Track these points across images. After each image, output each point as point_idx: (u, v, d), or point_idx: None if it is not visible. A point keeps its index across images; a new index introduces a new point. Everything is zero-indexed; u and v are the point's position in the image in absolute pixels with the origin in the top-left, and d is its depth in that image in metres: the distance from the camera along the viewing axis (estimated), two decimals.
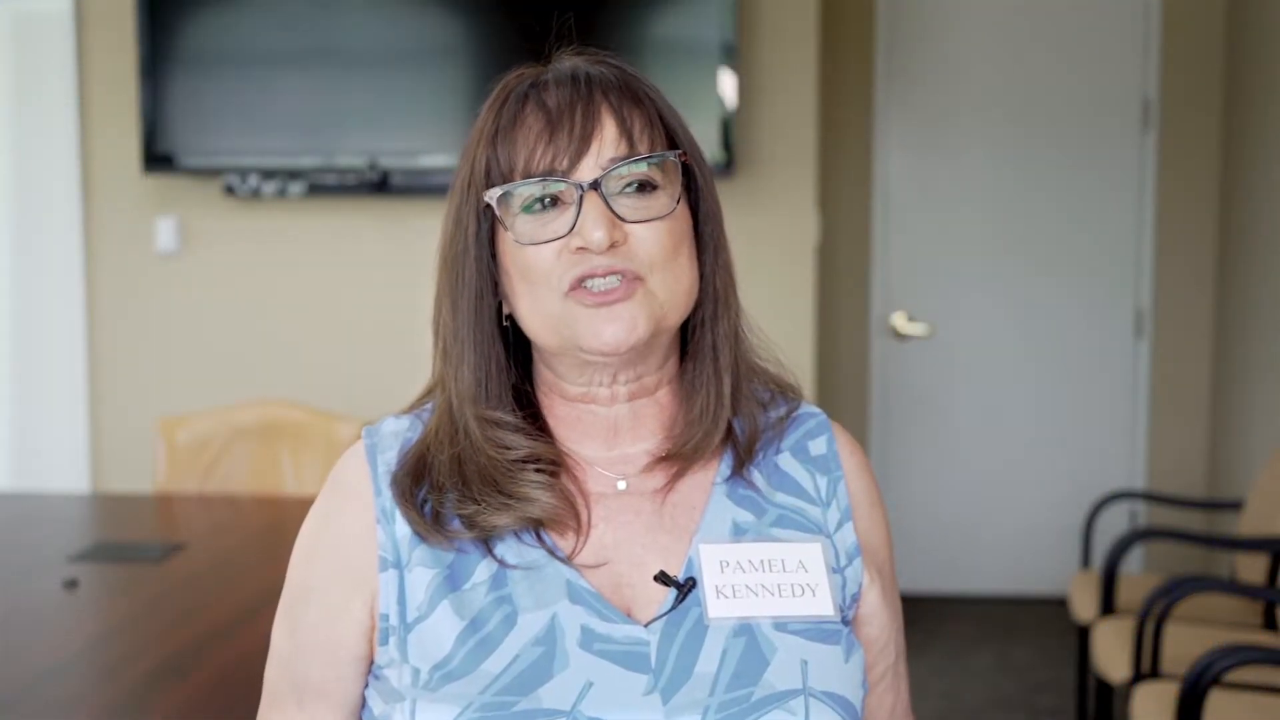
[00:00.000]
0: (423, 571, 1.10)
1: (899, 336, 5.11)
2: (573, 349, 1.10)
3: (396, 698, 1.08)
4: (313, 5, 4.12)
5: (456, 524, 1.10)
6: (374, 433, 1.17)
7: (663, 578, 1.10)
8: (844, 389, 5.12)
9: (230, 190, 4.23)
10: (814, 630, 1.09)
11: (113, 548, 2.78)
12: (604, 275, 1.07)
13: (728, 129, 4.04)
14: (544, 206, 1.08)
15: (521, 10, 4.06)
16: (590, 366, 1.12)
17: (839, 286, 5.06)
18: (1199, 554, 4.76)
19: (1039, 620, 4.90)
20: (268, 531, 2.94)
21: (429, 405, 1.17)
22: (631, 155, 1.09)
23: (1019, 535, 5.13)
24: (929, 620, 4.88)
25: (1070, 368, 5.08)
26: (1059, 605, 4.85)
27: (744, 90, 4.12)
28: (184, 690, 1.99)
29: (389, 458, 1.14)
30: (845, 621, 1.13)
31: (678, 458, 1.14)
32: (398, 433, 1.16)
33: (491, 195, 1.09)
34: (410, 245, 4.22)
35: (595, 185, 1.07)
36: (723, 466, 1.16)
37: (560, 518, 1.11)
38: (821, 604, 1.10)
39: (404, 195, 4.19)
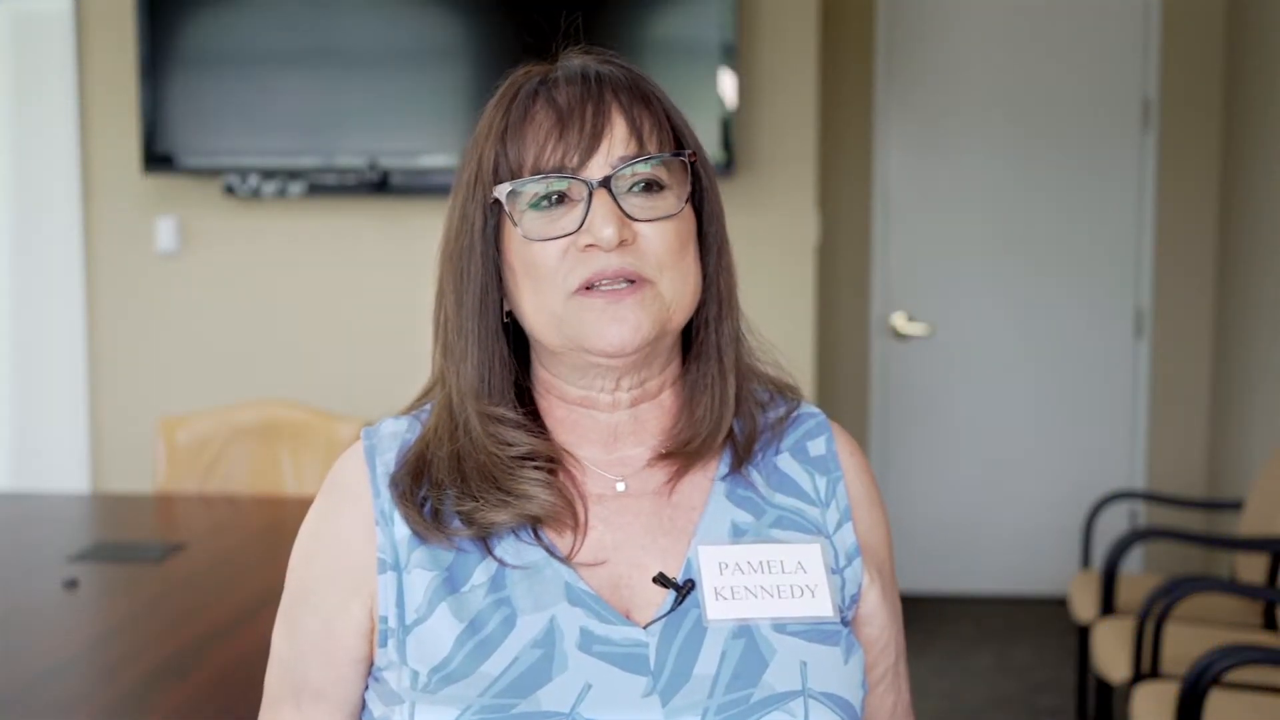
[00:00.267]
0: (421, 573, 1.09)
1: (899, 336, 5.11)
2: (576, 349, 1.09)
3: (395, 700, 1.08)
4: (313, 5, 4.12)
5: (455, 522, 1.10)
6: (372, 434, 1.17)
7: (661, 579, 1.09)
8: (844, 389, 5.12)
9: (230, 190, 4.23)
10: (813, 631, 1.09)
11: (113, 548, 2.78)
12: (613, 275, 1.07)
13: (728, 129, 4.04)
14: (551, 204, 1.08)
15: (521, 10, 4.06)
16: (592, 370, 1.12)
17: (839, 286, 5.06)
18: (1199, 554, 4.77)
19: (1039, 620, 4.90)
20: (268, 531, 2.94)
21: (428, 406, 1.17)
22: (641, 154, 1.09)
23: (1019, 535, 5.13)
24: (929, 620, 4.88)
25: (1070, 368, 5.08)
26: (1059, 605, 4.85)
27: (744, 90, 4.12)
28: (184, 690, 1.99)
29: (388, 459, 1.14)
30: (845, 622, 1.13)
31: (679, 457, 1.14)
32: (396, 434, 1.16)
33: (501, 190, 1.09)
34: (410, 245, 4.22)
35: (605, 183, 1.07)
36: (721, 466, 1.16)
37: (558, 516, 1.10)
38: (821, 605, 1.10)
39: (404, 195, 4.19)
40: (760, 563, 1.11)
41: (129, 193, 4.34)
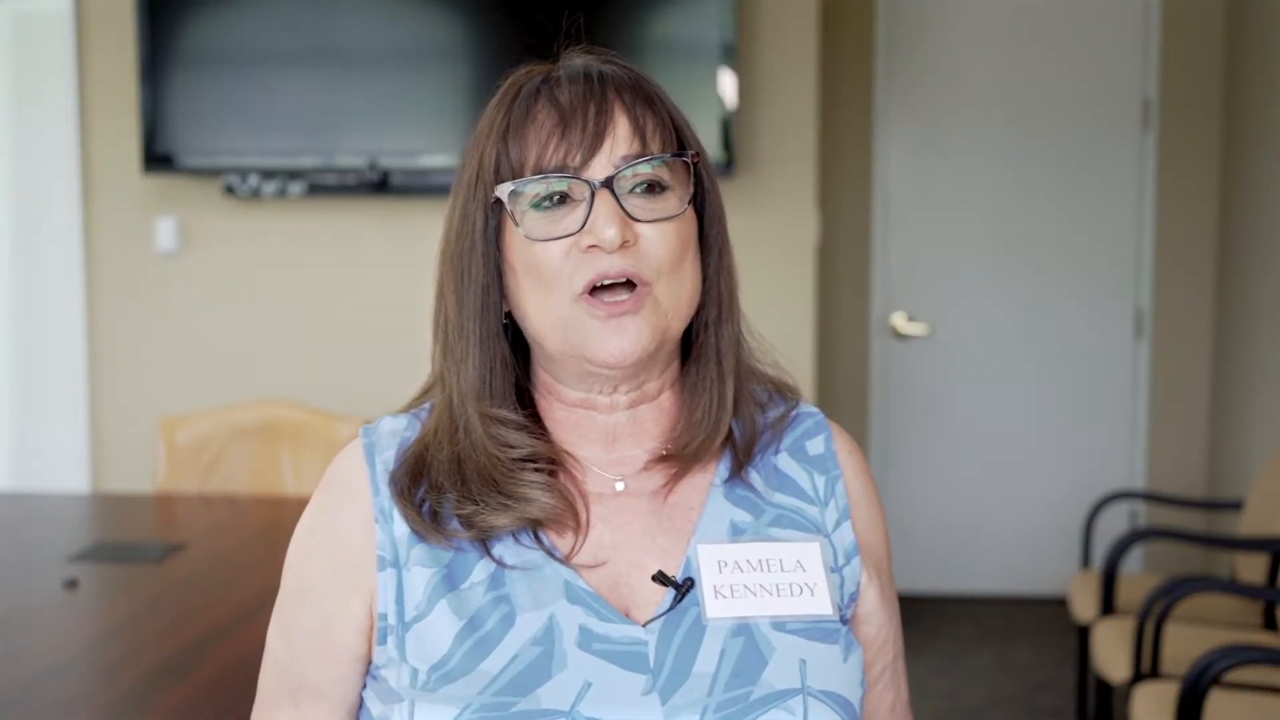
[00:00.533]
0: (421, 571, 1.09)
1: (899, 336, 5.11)
2: (577, 356, 1.09)
3: (395, 698, 1.07)
4: (313, 5, 4.12)
5: (455, 524, 1.10)
6: (371, 431, 1.16)
7: (661, 578, 1.09)
8: (844, 389, 5.12)
9: (230, 190, 4.23)
10: (812, 629, 1.09)
11: (113, 548, 2.78)
12: (616, 277, 1.06)
13: (728, 129, 4.04)
14: (553, 203, 1.08)
15: (521, 10, 4.06)
16: (590, 375, 1.12)
17: (839, 286, 5.06)
18: (1199, 554, 4.77)
19: (1039, 620, 4.90)
20: (268, 531, 2.94)
21: (427, 405, 1.17)
22: (644, 154, 1.08)
23: (1019, 535, 5.13)
24: (929, 620, 4.88)
25: (1070, 368, 5.08)
26: (1059, 605, 4.85)
27: (744, 90, 4.12)
28: (184, 690, 1.99)
29: (387, 457, 1.14)
30: (844, 620, 1.13)
31: (677, 459, 1.14)
32: (395, 432, 1.16)
33: (502, 190, 1.08)
34: (410, 245, 4.22)
35: (607, 183, 1.07)
36: (721, 468, 1.16)
37: (559, 518, 1.10)
38: (820, 603, 1.10)
39: (404, 195, 4.19)
40: (759, 561, 1.11)
41: (129, 193, 4.34)
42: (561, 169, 1.07)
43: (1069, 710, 4.07)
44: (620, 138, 1.08)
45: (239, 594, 2.47)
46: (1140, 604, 3.17)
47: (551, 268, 1.07)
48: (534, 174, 1.08)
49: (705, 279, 1.13)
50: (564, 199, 1.08)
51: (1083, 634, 3.71)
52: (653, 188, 1.09)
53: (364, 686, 1.14)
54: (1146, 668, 3.04)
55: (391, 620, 1.09)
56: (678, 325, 1.11)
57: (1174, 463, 5.01)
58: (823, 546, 1.13)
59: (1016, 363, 5.10)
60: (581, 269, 1.07)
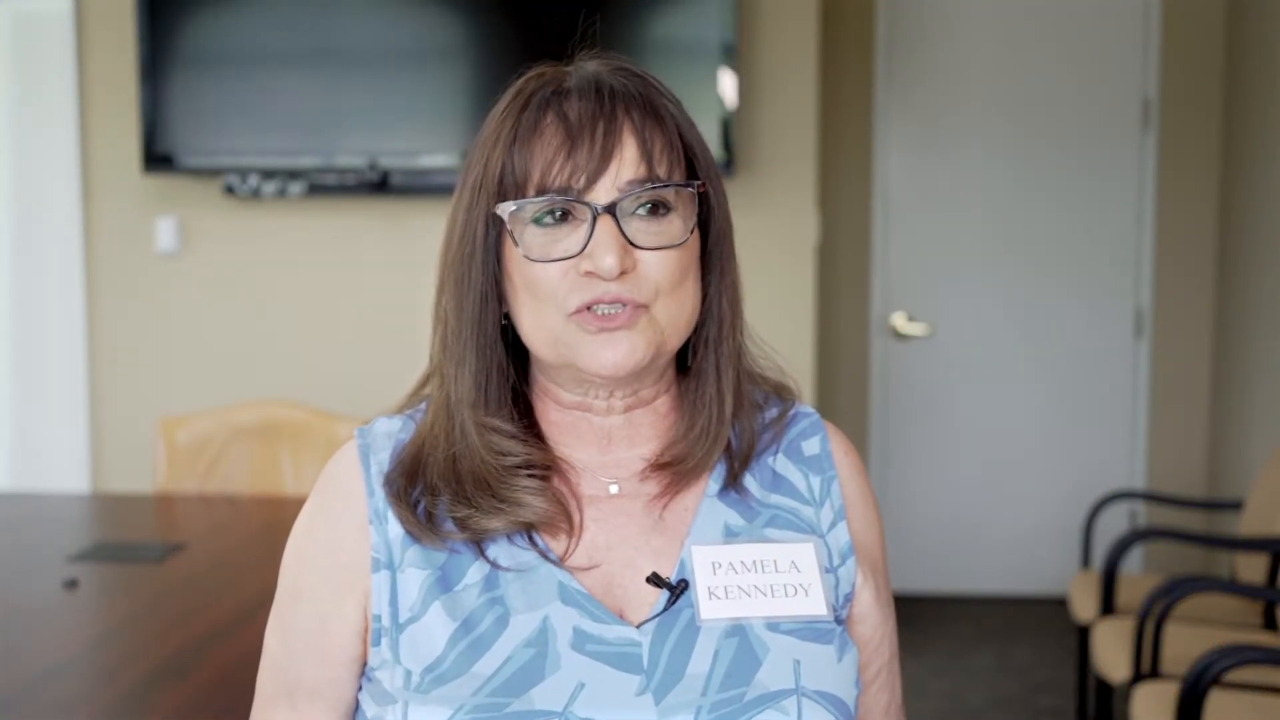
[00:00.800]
0: (415, 572, 1.09)
1: (899, 336, 5.11)
2: (571, 367, 1.09)
3: (389, 700, 1.08)
4: (313, 5, 4.12)
5: (449, 525, 1.10)
6: (366, 433, 1.16)
7: (655, 579, 1.09)
8: (844, 389, 5.12)
9: (230, 190, 4.23)
10: (807, 630, 1.09)
11: (113, 548, 2.78)
12: (611, 303, 1.06)
13: (728, 129, 4.04)
14: (555, 220, 1.07)
15: (522, 10, 4.06)
16: (584, 382, 1.12)
17: (839, 286, 5.06)
18: (1199, 554, 4.77)
19: (1039, 620, 4.90)
20: (267, 531, 2.94)
21: (422, 405, 1.17)
22: (650, 178, 1.07)
23: (1019, 535, 5.13)
24: (929, 620, 4.88)
25: (1070, 368, 5.08)
26: (1059, 605, 4.85)
27: (744, 90, 4.12)
28: (184, 690, 1.99)
29: (382, 458, 1.14)
30: (838, 621, 1.13)
31: (673, 470, 1.14)
32: (390, 433, 1.16)
33: (504, 209, 1.07)
34: (410, 245, 4.22)
35: (610, 209, 1.05)
36: (716, 474, 1.15)
37: (553, 521, 1.10)
38: (814, 604, 1.10)
39: (404, 195, 4.19)
40: (754, 562, 1.11)
41: (129, 193, 4.34)
42: (565, 190, 1.06)
43: (1069, 710, 4.07)
44: (627, 160, 1.06)
45: (239, 594, 2.47)
46: (1140, 604, 3.17)
47: (548, 287, 1.07)
48: (537, 190, 1.06)
49: (706, 296, 1.13)
50: (565, 216, 1.07)
51: (1083, 634, 3.71)
52: (656, 208, 1.08)
53: (359, 688, 1.14)
54: (1146, 668, 3.04)
55: (385, 622, 1.09)
56: (674, 342, 1.11)
57: (1174, 463, 5.01)
58: (817, 547, 1.13)
59: (1016, 363, 5.10)
60: (577, 292, 1.06)
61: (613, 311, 1.06)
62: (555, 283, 1.07)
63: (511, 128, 1.09)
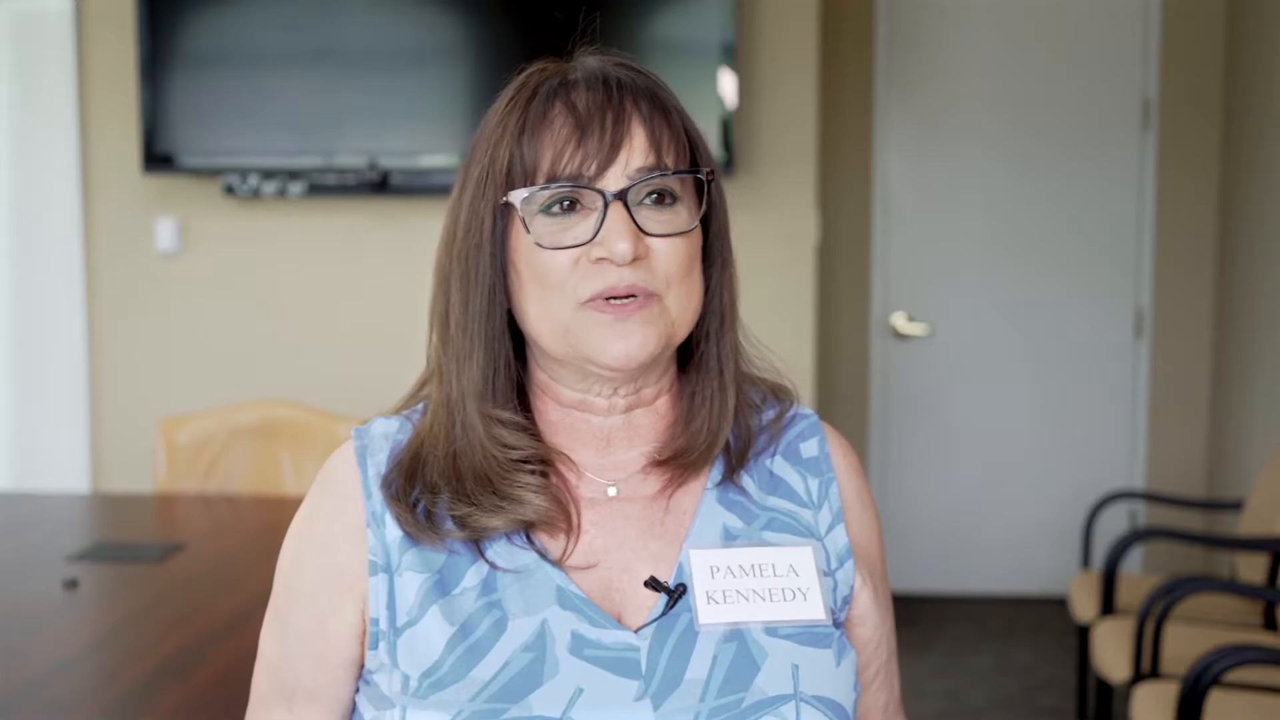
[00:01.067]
0: (413, 576, 1.09)
1: (899, 336, 5.11)
2: (579, 359, 1.09)
3: (386, 704, 1.07)
4: (313, 5, 4.12)
5: (449, 524, 1.09)
6: (364, 434, 1.16)
7: (653, 583, 1.09)
8: (844, 389, 5.12)
9: (230, 190, 4.23)
10: (805, 634, 1.09)
11: (112, 548, 2.78)
12: (625, 291, 1.06)
13: (728, 129, 4.04)
14: (563, 210, 1.07)
15: (522, 10, 4.06)
16: (591, 376, 1.11)
17: (839, 286, 5.06)
18: (1199, 554, 4.77)
19: (1039, 620, 4.90)
20: (267, 531, 2.93)
21: (420, 405, 1.16)
22: (658, 167, 1.07)
23: (1019, 535, 5.13)
24: (929, 620, 4.88)
25: (1070, 368, 5.08)
26: (1059, 605, 4.85)
27: (744, 90, 4.12)
28: (184, 690, 1.99)
29: (379, 460, 1.13)
30: (837, 624, 1.13)
31: (674, 466, 1.13)
32: (388, 434, 1.15)
33: (516, 196, 1.07)
34: (410, 245, 4.22)
35: (621, 195, 1.06)
36: (714, 473, 1.15)
37: (552, 520, 1.10)
38: (812, 608, 1.10)
39: (404, 195, 4.19)
40: (752, 566, 1.10)
41: (129, 193, 4.34)
42: (576, 177, 1.06)
43: (1069, 710, 4.07)
44: (636, 148, 1.07)
45: (239, 594, 2.47)
46: (1140, 604, 3.17)
47: (558, 275, 1.07)
48: (547, 179, 1.06)
49: (708, 290, 1.13)
50: (574, 205, 1.07)
51: (1083, 634, 3.71)
52: (662, 198, 1.08)
53: (357, 690, 1.14)
54: (1146, 668, 3.04)
55: (383, 625, 1.09)
56: (682, 334, 1.11)
57: (1174, 463, 5.01)
58: (815, 550, 1.13)
59: (1016, 363, 5.10)
60: (589, 280, 1.06)
61: (625, 303, 1.06)
62: (565, 271, 1.07)
63: (519, 119, 1.08)
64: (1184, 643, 3.10)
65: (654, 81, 1.11)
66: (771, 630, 1.08)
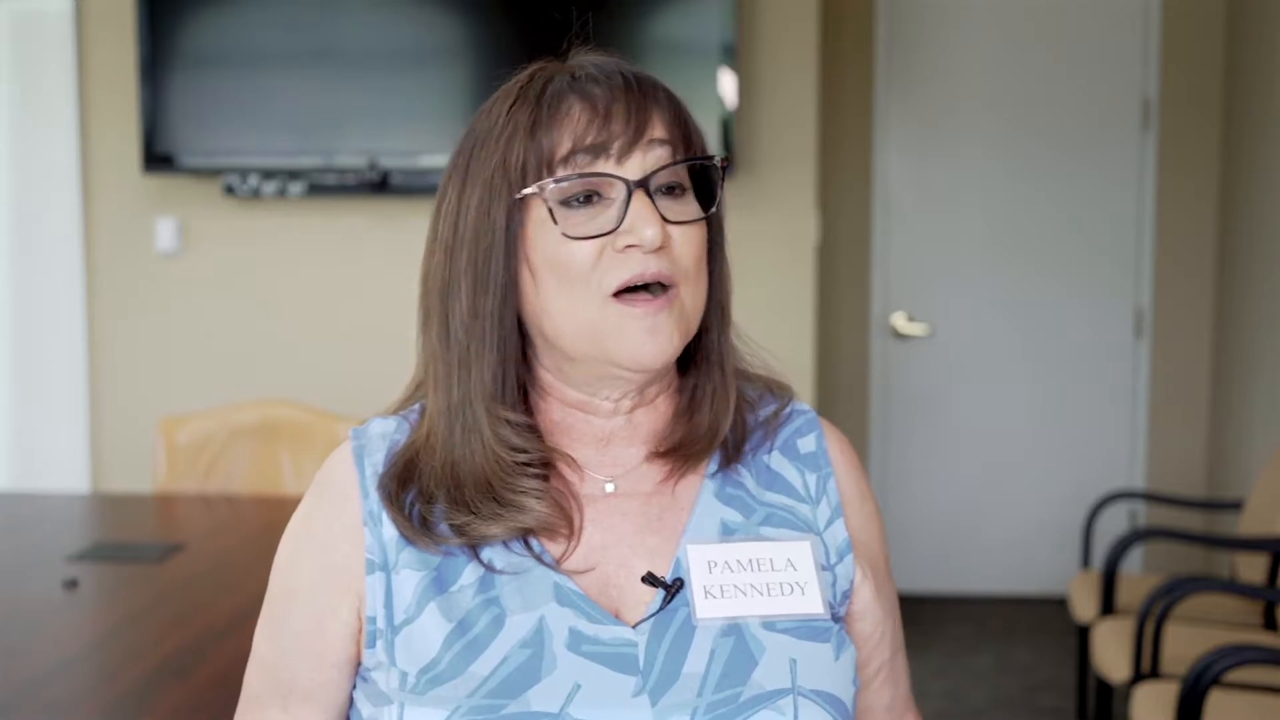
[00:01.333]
0: (410, 574, 1.09)
1: (899, 336, 5.11)
2: (602, 358, 1.08)
3: (384, 701, 1.07)
4: (313, 5, 4.12)
5: (445, 530, 1.09)
6: (361, 434, 1.16)
7: (650, 579, 1.09)
8: (844, 389, 5.12)
9: (230, 190, 4.23)
10: (803, 629, 1.09)
11: (112, 548, 2.78)
12: (652, 278, 1.05)
13: (728, 129, 4.04)
14: (580, 202, 1.06)
15: (522, 10, 4.06)
16: (604, 379, 1.11)
17: (839, 286, 5.06)
18: (1199, 554, 4.77)
19: (1039, 620, 4.90)
20: (268, 531, 2.93)
21: (416, 406, 1.16)
22: (675, 156, 1.08)
23: (1019, 535, 5.13)
24: (929, 620, 4.88)
25: (1070, 368, 5.08)
26: (1059, 605, 4.85)
27: (744, 90, 4.12)
28: (184, 690, 1.99)
29: (376, 460, 1.13)
30: (836, 619, 1.13)
31: (674, 458, 1.13)
32: (385, 434, 1.15)
33: (543, 186, 1.06)
34: (410, 245, 4.17)
35: (643, 183, 1.06)
36: (710, 464, 1.15)
37: (552, 526, 1.09)
38: (811, 602, 1.10)
39: (404, 195, 4.19)
40: (750, 561, 1.10)
41: (129, 193, 4.34)
42: (599, 149, 1.05)
43: (1069, 710, 4.07)
44: (656, 138, 1.07)
45: (239, 594, 2.47)
46: (1140, 604, 3.17)
47: (583, 267, 1.06)
48: (565, 169, 1.06)
49: (710, 283, 1.13)
50: (591, 198, 1.07)
51: (1083, 634, 3.71)
52: (673, 190, 1.08)
53: (353, 688, 1.14)
54: (1146, 668, 3.04)
55: (380, 624, 1.08)
56: (694, 330, 1.11)
57: (1174, 463, 5.01)
58: (814, 545, 1.13)
59: (1016, 363, 5.10)
60: (615, 269, 1.06)
61: (654, 295, 1.06)
62: (590, 263, 1.06)
63: (530, 115, 1.07)
64: (1184, 643, 3.11)
65: (656, 78, 1.12)
66: (769, 625, 1.08)
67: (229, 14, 4.14)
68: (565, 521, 1.10)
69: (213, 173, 4.23)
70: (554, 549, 1.10)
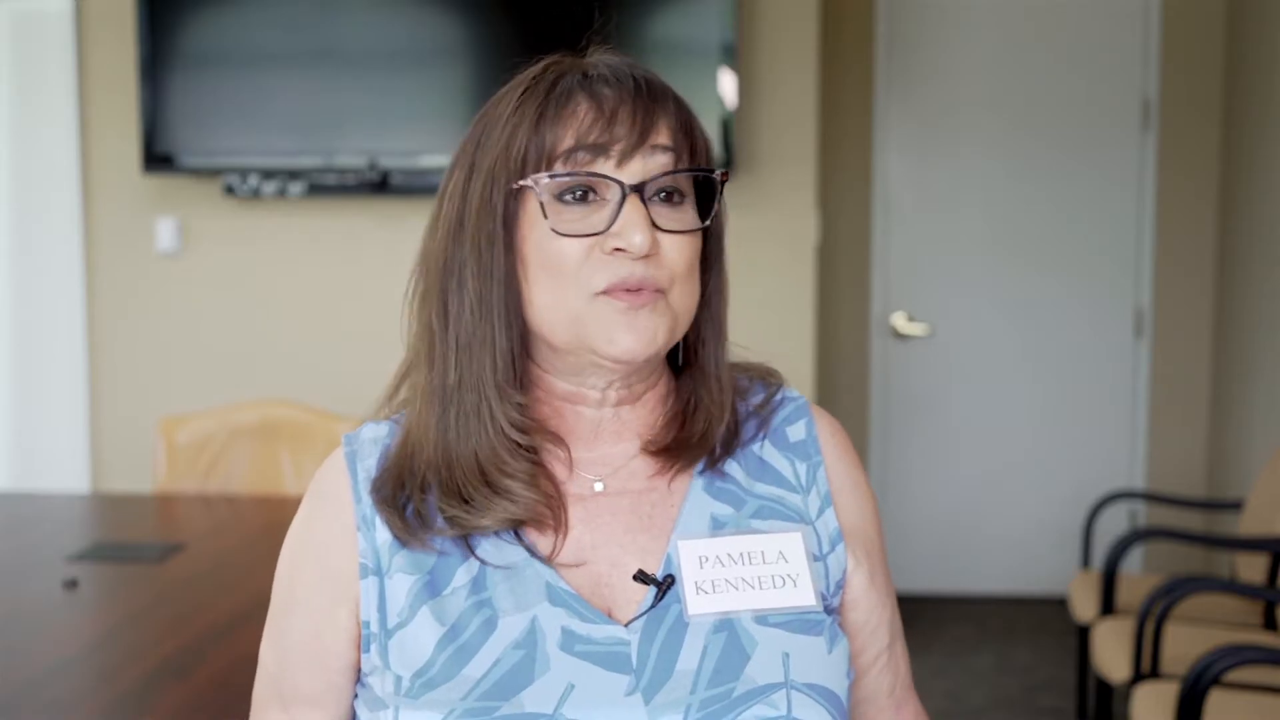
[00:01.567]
0: (403, 578, 1.09)
1: (899, 336, 5.11)
2: (584, 349, 1.08)
3: (380, 706, 1.08)
4: (313, 5, 4.12)
5: (438, 522, 1.09)
6: (354, 439, 1.16)
7: (641, 576, 1.09)
8: (844, 389, 5.12)
9: (230, 190, 4.23)
10: (796, 622, 1.09)
11: (112, 548, 2.78)
12: (636, 285, 1.06)
13: (728, 129, 4.04)
14: (575, 199, 1.07)
15: (522, 10, 4.06)
16: (590, 369, 1.11)
17: (839, 286, 5.06)
18: (1199, 554, 4.77)
19: (1039, 620, 4.90)
20: (268, 531, 2.93)
21: (406, 411, 1.16)
22: (677, 165, 1.08)
23: (1019, 535, 5.13)
24: (929, 620, 4.88)
25: (1070, 368, 5.08)
26: (1059, 605, 4.85)
27: (744, 90, 4.12)
28: (184, 690, 1.99)
29: (369, 465, 1.14)
30: (829, 610, 1.13)
31: (665, 458, 1.13)
32: (377, 439, 1.16)
33: (538, 179, 1.06)
34: (410, 245, 4.15)
35: (639, 188, 1.06)
36: (699, 463, 1.15)
37: (540, 516, 1.10)
38: (803, 594, 1.10)
39: (404, 195, 4.19)
40: (741, 554, 1.10)
41: (129, 193, 4.34)
42: (598, 151, 1.06)
43: (1069, 710, 4.07)
44: (660, 145, 1.08)
45: (239, 594, 2.47)
46: (1140, 604, 3.17)
47: (570, 264, 1.06)
48: (565, 165, 1.06)
49: (706, 294, 1.14)
50: (588, 196, 1.07)
51: (1083, 634, 3.71)
52: (671, 197, 1.09)
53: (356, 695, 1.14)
54: (1146, 668, 3.04)
55: (375, 628, 1.09)
56: (681, 331, 1.11)
57: (1174, 463, 5.01)
58: (805, 535, 1.13)
59: (1016, 363, 5.10)
60: (602, 271, 1.06)
61: (638, 292, 1.06)
62: (578, 260, 1.06)
63: (538, 107, 1.08)
64: (1184, 643, 3.11)
65: (672, 86, 1.12)
66: (761, 619, 1.08)
67: (229, 14, 4.14)
68: (552, 513, 1.10)
69: (213, 173, 4.23)
70: (543, 544, 1.10)
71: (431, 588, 1.08)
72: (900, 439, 5.16)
